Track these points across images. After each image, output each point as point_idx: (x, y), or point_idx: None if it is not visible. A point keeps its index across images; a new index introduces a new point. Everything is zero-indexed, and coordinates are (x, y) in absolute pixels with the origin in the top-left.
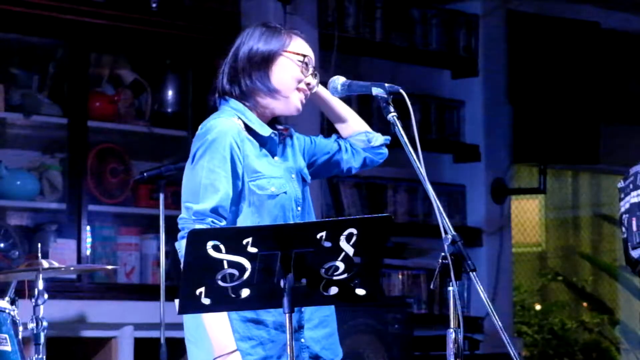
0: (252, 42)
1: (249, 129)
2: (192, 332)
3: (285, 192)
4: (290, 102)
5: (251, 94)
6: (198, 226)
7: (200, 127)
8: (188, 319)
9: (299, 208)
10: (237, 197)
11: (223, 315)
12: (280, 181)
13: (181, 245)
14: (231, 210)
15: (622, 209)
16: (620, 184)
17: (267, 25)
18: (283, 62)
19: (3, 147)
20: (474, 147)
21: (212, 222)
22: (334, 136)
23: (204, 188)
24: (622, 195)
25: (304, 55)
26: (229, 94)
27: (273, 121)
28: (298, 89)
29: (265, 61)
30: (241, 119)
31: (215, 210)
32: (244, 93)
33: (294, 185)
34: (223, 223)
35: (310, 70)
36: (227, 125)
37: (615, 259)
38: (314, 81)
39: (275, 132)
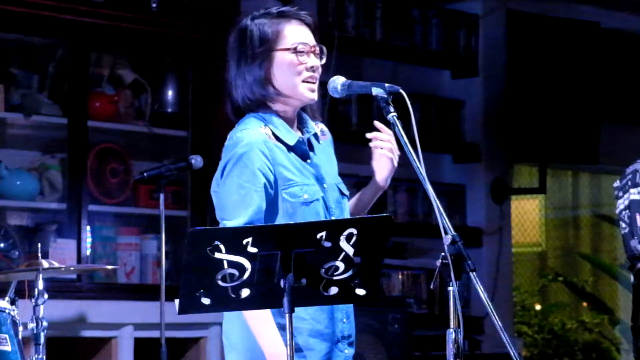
0: (246, 48)
1: (276, 136)
2: (231, 337)
3: (318, 200)
4: (301, 96)
5: (265, 101)
6: None
7: (228, 138)
8: (227, 323)
9: (333, 217)
10: (272, 206)
11: (270, 321)
12: (314, 188)
13: None
14: (268, 220)
15: (621, 206)
16: (617, 184)
17: (255, 19)
18: (278, 62)
19: (3, 147)
20: (474, 147)
21: None
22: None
23: (236, 204)
24: (620, 194)
25: (295, 47)
26: (246, 106)
27: (300, 116)
28: (304, 81)
29: (262, 67)
30: (268, 127)
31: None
32: (259, 101)
33: (327, 194)
34: None
35: (307, 54)
36: (254, 136)
37: (615, 258)
38: (316, 62)
39: (303, 137)
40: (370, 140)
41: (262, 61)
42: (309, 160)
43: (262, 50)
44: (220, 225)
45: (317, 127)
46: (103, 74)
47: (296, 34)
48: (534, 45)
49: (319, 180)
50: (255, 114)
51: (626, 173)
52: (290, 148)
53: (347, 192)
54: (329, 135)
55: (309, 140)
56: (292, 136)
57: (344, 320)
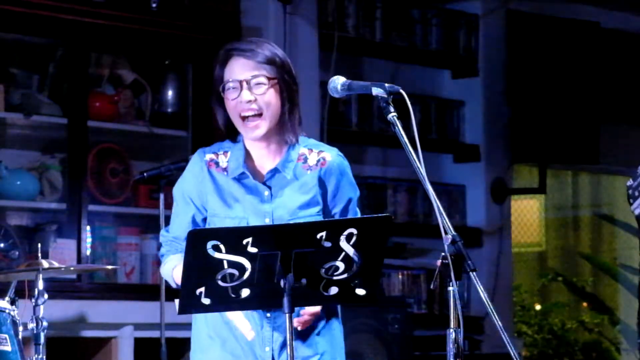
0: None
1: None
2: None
3: None
4: (245, 136)
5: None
6: (163, 248)
7: None
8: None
9: None
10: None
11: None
12: (239, 220)
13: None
14: None
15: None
16: (630, 182)
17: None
18: (224, 99)
19: (3, 147)
20: (474, 147)
21: (166, 251)
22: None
23: (173, 219)
24: (637, 193)
25: (222, 87)
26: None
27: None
28: (242, 118)
29: (217, 104)
30: (227, 153)
31: (171, 240)
32: (231, 131)
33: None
34: (178, 247)
35: (236, 90)
36: (194, 161)
37: (615, 258)
38: (247, 95)
39: (246, 171)
40: None
41: (217, 99)
42: (266, 193)
43: (217, 90)
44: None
45: (317, 154)
46: (103, 74)
47: (229, 71)
48: (534, 45)
49: (259, 213)
50: (228, 141)
51: (638, 172)
52: (234, 179)
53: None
54: (328, 165)
55: (274, 172)
56: (235, 169)
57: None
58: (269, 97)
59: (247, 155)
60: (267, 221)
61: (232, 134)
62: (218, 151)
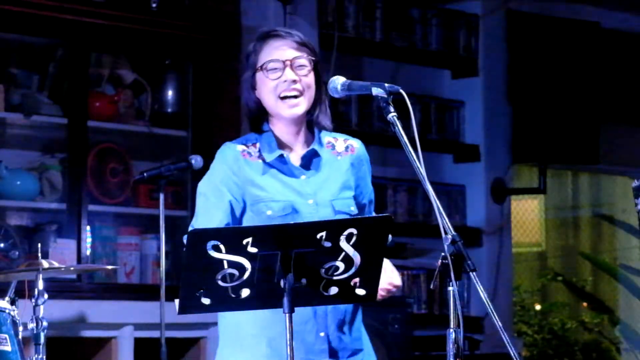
0: (244, 73)
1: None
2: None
3: (287, 215)
4: (282, 114)
5: (267, 117)
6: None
7: None
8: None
9: None
10: (241, 222)
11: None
12: (283, 204)
13: None
14: None
15: None
16: (636, 183)
17: (254, 42)
18: (259, 82)
19: (3, 147)
20: (474, 147)
21: None
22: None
23: (198, 213)
24: None
25: (262, 65)
26: (251, 124)
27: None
28: (281, 97)
29: (253, 91)
30: (256, 144)
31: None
32: (262, 119)
33: (309, 210)
34: None
35: (278, 70)
36: (225, 152)
37: (615, 258)
38: (291, 75)
39: (285, 154)
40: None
41: (251, 84)
42: (303, 177)
43: (250, 75)
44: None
45: (344, 142)
46: (103, 74)
47: (270, 52)
48: (534, 45)
49: (303, 195)
50: (253, 134)
51: None
52: (271, 165)
53: (346, 209)
54: (357, 151)
55: (310, 156)
56: (272, 154)
57: (321, 334)
58: (309, 79)
59: (279, 142)
60: (311, 202)
61: (256, 124)
62: (246, 143)
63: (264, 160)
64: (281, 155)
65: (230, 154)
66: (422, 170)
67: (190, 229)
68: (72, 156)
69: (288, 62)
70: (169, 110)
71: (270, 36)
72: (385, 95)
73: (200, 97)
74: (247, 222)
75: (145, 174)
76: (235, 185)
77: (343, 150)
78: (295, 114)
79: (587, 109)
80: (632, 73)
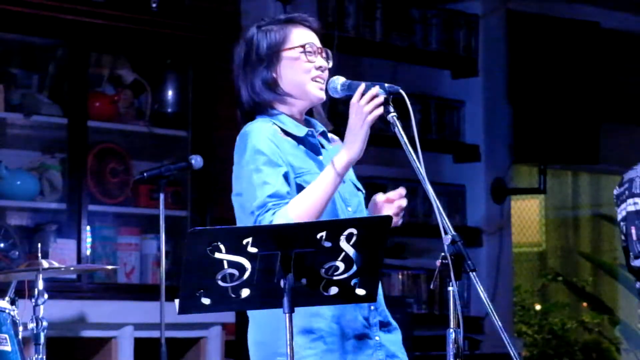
0: (252, 53)
1: (286, 132)
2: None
3: None
4: (309, 95)
5: (272, 103)
6: (266, 218)
7: (237, 137)
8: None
9: (349, 208)
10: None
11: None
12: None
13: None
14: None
15: (619, 216)
16: (616, 191)
17: (261, 27)
18: (287, 61)
19: (3, 147)
20: (474, 147)
21: (273, 205)
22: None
23: (256, 188)
24: (619, 202)
25: (303, 45)
26: (252, 110)
27: (310, 114)
28: (312, 79)
29: (269, 69)
30: (276, 124)
31: (272, 196)
32: (265, 104)
33: (341, 187)
34: (286, 200)
35: (315, 54)
36: (262, 127)
37: (615, 258)
38: (324, 62)
39: (312, 130)
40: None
41: (269, 63)
42: (320, 157)
43: (269, 53)
44: (250, 216)
45: (328, 132)
46: (103, 74)
47: (303, 36)
48: (534, 46)
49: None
50: (262, 115)
51: (624, 180)
52: (299, 141)
53: (362, 189)
54: (339, 143)
55: (323, 134)
56: (300, 129)
57: (371, 307)
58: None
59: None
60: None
61: (259, 109)
62: (269, 121)
63: (292, 137)
64: (311, 131)
65: (266, 128)
66: (422, 170)
67: (256, 202)
68: (72, 156)
69: (322, 50)
70: (169, 110)
71: (301, 22)
72: (385, 95)
73: (200, 97)
74: (296, 192)
75: (145, 174)
76: (280, 158)
77: (332, 138)
78: (322, 97)
79: (587, 109)
80: (632, 73)
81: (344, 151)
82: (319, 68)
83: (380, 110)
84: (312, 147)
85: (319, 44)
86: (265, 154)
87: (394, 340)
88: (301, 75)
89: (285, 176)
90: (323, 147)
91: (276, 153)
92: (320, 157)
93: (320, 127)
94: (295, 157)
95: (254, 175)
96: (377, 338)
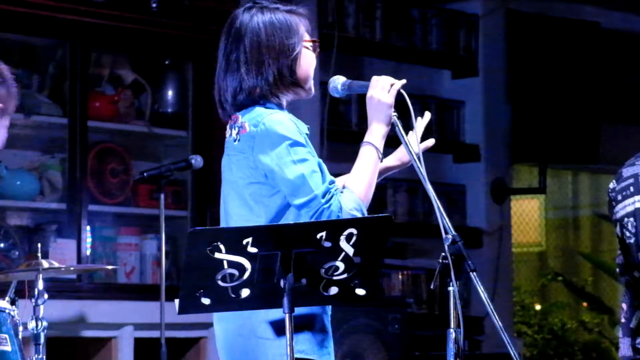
0: (266, 40)
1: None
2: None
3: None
4: (309, 90)
5: (278, 88)
6: (334, 204)
7: (253, 124)
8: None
9: None
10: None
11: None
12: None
13: (345, 202)
14: None
15: (623, 212)
16: (613, 185)
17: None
18: (304, 54)
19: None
20: (474, 147)
21: (335, 190)
22: None
23: (309, 178)
24: (620, 197)
25: (314, 41)
26: (259, 97)
27: None
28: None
29: (289, 55)
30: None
31: (332, 182)
32: (271, 87)
33: None
34: (337, 185)
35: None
36: (285, 116)
37: (615, 258)
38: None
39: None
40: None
41: (291, 52)
42: None
43: (293, 42)
44: (308, 204)
45: None
46: (103, 74)
47: (308, 31)
48: (534, 46)
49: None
50: (260, 105)
51: (624, 175)
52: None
53: None
54: None
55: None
56: (303, 125)
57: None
58: None
59: None
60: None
61: (260, 97)
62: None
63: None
64: (308, 128)
65: (287, 116)
66: (422, 170)
67: (319, 190)
68: (72, 156)
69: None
70: (169, 110)
71: (302, 15)
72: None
73: (200, 97)
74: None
75: (145, 174)
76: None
77: None
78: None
79: (587, 108)
80: (632, 73)
81: (375, 125)
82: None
83: (403, 82)
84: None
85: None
86: (304, 145)
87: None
88: (310, 71)
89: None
90: None
91: (306, 137)
92: None
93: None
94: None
95: (300, 166)
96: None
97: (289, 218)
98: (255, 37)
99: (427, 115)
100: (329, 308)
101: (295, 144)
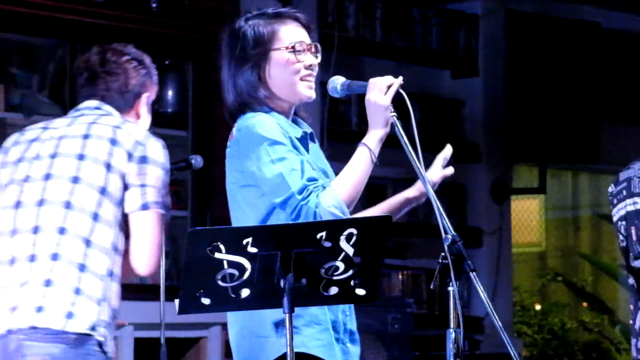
0: (237, 49)
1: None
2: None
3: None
4: (300, 95)
5: (263, 100)
6: (312, 200)
7: (238, 130)
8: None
9: None
10: None
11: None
12: (319, 173)
13: (320, 202)
14: None
15: (617, 216)
16: (611, 189)
17: (249, 20)
18: (275, 61)
19: None
20: (474, 147)
21: (314, 187)
22: None
23: (287, 176)
24: (615, 201)
25: (293, 45)
26: (238, 107)
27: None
28: (301, 79)
29: (255, 69)
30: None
31: (310, 179)
32: (251, 102)
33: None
34: (320, 183)
35: (305, 52)
36: (267, 119)
37: (615, 258)
38: (314, 60)
39: (305, 132)
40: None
41: (255, 62)
42: (308, 156)
43: (256, 52)
44: (286, 201)
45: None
46: None
47: (292, 33)
48: (534, 45)
49: (324, 173)
50: (250, 110)
51: (620, 179)
52: (295, 139)
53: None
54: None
55: (311, 137)
56: (296, 130)
57: (347, 312)
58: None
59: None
60: (328, 180)
61: (243, 108)
62: (269, 116)
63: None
64: (305, 133)
65: (271, 119)
66: (422, 171)
67: (295, 187)
68: None
69: (311, 47)
70: (169, 110)
71: (289, 17)
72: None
73: (200, 97)
74: None
75: None
76: (293, 146)
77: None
78: (312, 96)
79: (587, 109)
80: (632, 73)
81: (372, 127)
82: (308, 67)
83: (399, 81)
84: (304, 147)
85: (308, 40)
86: (284, 143)
87: (357, 353)
88: (290, 76)
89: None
90: (308, 144)
91: (285, 136)
92: (308, 156)
93: (307, 127)
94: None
95: (279, 164)
96: (348, 345)
97: (280, 218)
98: (228, 49)
99: (449, 149)
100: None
101: (274, 143)
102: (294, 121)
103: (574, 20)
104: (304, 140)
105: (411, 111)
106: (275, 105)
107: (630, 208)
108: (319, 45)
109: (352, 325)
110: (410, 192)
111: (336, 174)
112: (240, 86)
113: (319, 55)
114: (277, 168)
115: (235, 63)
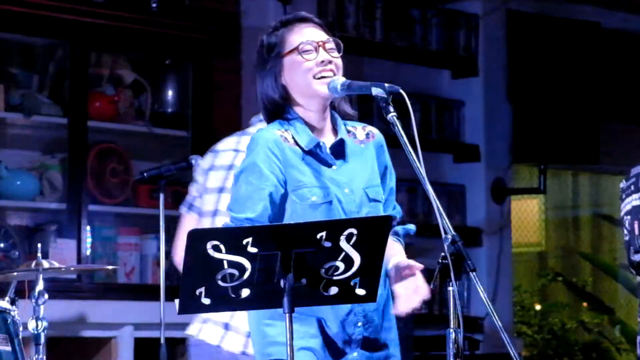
0: (260, 60)
1: (295, 139)
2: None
3: (330, 202)
4: (318, 94)
5: (284, 107)
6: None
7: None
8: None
9: None
10: (282, 206)
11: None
12: (326, 191)
13: None
14: (277, 220)
15: (623, 210)
16: (623, 184)
17: (265, 36)
18: (287, 66)
19: (3, 147)
20: (474, 147)
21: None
22: (397, 211)
23: (244, 200)
24: (624, 196)
25: (297, 47)
26: (269, 113)
27: (335, 120)
28: (315, 77)
29: (275, 76)
30: (289, 131)
31: (249, 220)
32: (278, 107)
33: (347, 198)
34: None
35: (313, 51)
36: (265, 136)
37: (615, 258)
38: (326, 55)
39: (321, 142)
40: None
41: (272, 69)
42: (334, 167)
43: (270, 58)
44: (229, 217)
45: (363, 130)
46: (103, 74)
47: (300, 35)
48: (534, 46)
49: (339, 184)
50: (280, 120)
51: (631, 174)
52: (306, 152)
53: (378, 197)
54: (378, 137)
55: (339, 145)
56: (309, 141)
57: (359, 324)
58: (339, 61)
59: (311, 129)
60: (347, 192)
61: (277, 114)
62: (280, 128)
63: (300, 147)
64: (318, 143)
65: (270, 137)
66: (422, 170)
67: (231, 215)
68: (72, 156)
69: (321, 43)
70: (169, 110)
71: (297, 20)
72: (385, 95)
73: (200, 97)
74: (289, 207)
75: (145, 174)
76: (278, 169)
77: (365, 138)
78: (324, 92)
79: (587, 109)
80: (632, 73)
81: None
82: (321, 63)
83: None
84: (320, 159)
85: (319, 38)
86: (259, 169)
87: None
88: (303, 77)
89: (270, 195)
90: (343, 153)
91: (273, 165)
92: (334, 167)
93: (343, 130)
94: (296, 169)
95: (244, 186)
96: (354, 354)
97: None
98: (256, 62)
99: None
100: None
101: (253, 164)
102: (336, 123)
103: (574, 20)
104: (316, 150)
105: (411, 111)
106: (301, 110)
107: (636, 202)
108: (338, 41)
109: (366, 333)
110: (396, 272)
111: None
112: (266, 94)
113: (336, 50)
114: (241, 186)
115: (259, 72)
